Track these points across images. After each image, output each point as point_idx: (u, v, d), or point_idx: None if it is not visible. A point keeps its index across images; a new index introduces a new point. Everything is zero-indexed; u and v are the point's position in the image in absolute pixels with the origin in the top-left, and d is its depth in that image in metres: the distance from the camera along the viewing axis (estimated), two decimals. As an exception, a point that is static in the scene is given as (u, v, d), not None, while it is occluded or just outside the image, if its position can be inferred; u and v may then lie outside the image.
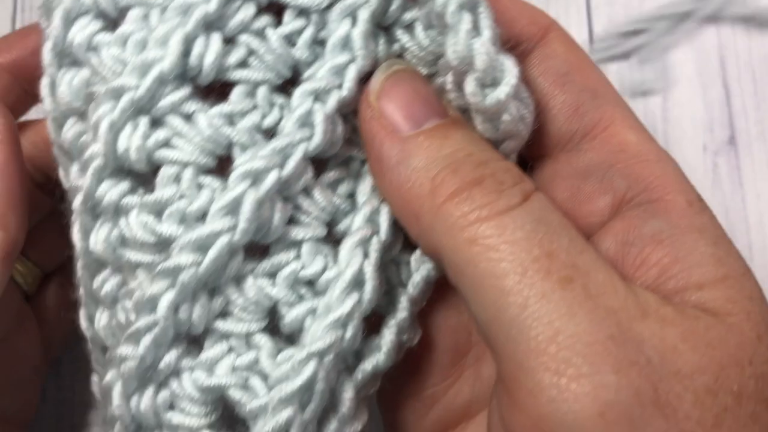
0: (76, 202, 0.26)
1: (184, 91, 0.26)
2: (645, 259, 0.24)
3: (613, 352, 0.21)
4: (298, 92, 0.26)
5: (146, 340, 0.24)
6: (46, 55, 0.27)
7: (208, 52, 0.25)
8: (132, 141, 0.25)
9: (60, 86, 0.27)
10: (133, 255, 0.25)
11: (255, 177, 0.25)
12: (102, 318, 0.27)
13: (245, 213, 0.24)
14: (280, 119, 0.26)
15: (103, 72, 0.26)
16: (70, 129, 0.27)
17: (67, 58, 0.27)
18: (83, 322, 0.28)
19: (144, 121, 0.25)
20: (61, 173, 0.28)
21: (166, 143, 0.25)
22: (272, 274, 0.26)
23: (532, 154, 0.29)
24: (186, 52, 0.25)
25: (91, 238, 0.26)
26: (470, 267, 0.22)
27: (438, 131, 0.25)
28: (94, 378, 0.28)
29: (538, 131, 0.27)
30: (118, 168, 0.26)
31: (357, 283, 0.25)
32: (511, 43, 0.27)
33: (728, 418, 0.21)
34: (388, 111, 0.25)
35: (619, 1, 0.44)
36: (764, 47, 0.43)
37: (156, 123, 0.26)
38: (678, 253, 0.24)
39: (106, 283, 0.27)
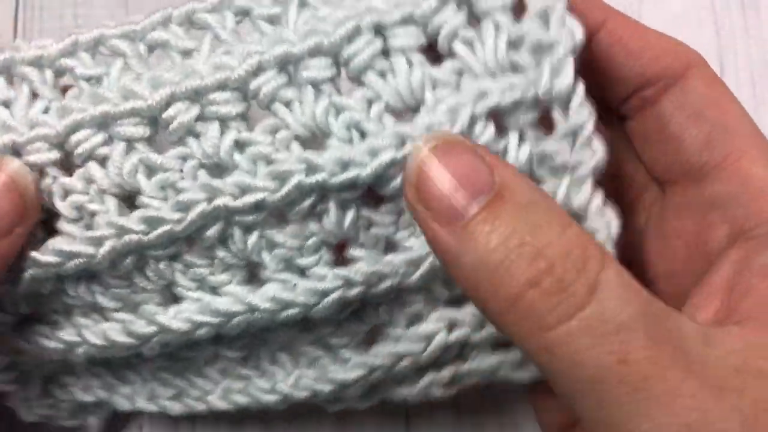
0: None
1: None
2: (751, 289, 0.25)
3: None
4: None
5: None
6: None
7: None
8: None
9: None
10: None
11: None
12: None
13: None
14: None
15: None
16: None
17: None
18: None
19: None
20: None
21: None
22: None
23: (664, 179, 0.30)
24: None
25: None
26: (553, 373, 0.23)
27: (484, 220, 0.23)
28: None
29: (671, 160, 0.29)
30: None
31: None
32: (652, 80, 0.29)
33: None
34: (429, 201, 0.24)
35: (618, 2, 0.44)
36: (763, 50, 0.43)
37: None
38: None
39: None
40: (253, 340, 0.33)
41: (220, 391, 0.34)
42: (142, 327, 0.30)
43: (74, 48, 0.30)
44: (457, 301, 0.31)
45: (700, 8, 0.44)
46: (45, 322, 0.32)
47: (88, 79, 0.30)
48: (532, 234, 0.22)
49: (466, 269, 0.23)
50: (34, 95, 0.30)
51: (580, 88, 0.26)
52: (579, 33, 0.26)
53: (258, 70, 0.28)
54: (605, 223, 0.27)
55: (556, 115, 0.27)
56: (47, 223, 0.30)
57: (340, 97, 0.28)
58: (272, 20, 0.29)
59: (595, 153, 0.27)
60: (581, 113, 0.26)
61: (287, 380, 0.33)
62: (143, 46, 0.30)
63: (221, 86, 0.28)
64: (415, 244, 0.29)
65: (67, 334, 0.31)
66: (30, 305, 0.32)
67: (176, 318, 0.30)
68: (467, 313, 0.31)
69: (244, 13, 0.30)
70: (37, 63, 0.30)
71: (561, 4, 0.26)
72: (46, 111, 0.30)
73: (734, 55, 0.43)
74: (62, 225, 0.30)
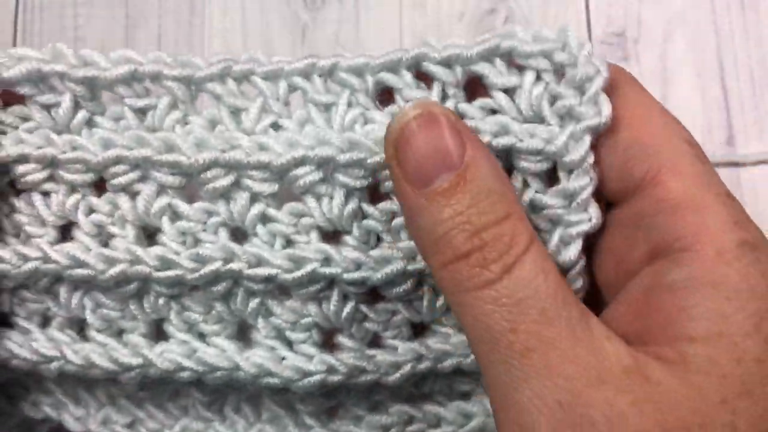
0: None
1: None
2: (657, 307, 0.26)
3: (558, 415, 0.24)
4: None
5: None
6: None
7: None
8: None
9: None
10: None
11: None
12: None
13: None
14: None
15: None
16: None
17: None
18: None
19: None
20: None
21: None
22: None
23: (609, 200, 0.30)
24: None
25: None
26: (464, 327, 0.27)
27: (442, 195, 0.27)
28: None
29: (601, 185, 0.29)
30: None
31: None
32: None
33: None
34: (404, 165, 0.27)
35: (618, 2, 0.44)
36: (762, 49, 0.43)
37: None
38: (686, 304, 0.26)
39: None
40: (222, 386, 0.34)
41: (178, 428, 0.35)
42: (127, 356, 0.32)
43: (131, 77, 0.31)
44: (415, 399, 0.34)
45: (700, 8, 0.44)
46: (15, 328, 0.33)
47: (136, 110, 0.32)
48: (477, 216, 0.26)
49: (419, 229, 0.27)
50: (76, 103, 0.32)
51: (590, 158, 0.29)
52: (607, 113, 0.28)
53: (299, 163, 0.30)
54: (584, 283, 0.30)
55: (561, 173, 0.30)
56: (64, 228, 0.32)
57: (367, 205, 0.31)
58: (325, 108, 0.31)
59: (590, 218, 0.29)
60: (583, 179, 0.29)
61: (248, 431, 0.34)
62: (194, 90, 0.32)
63: (262, 167, 0.30)
64: (400, 347, 0.32)
65: (44, 348, 0.32)
66: (6, 304, 0.32)
67: (162, 356, 0.32)
68: (425, 411, 0.34)
69: (296, 89, 0.32)
70: (89, 83, 0.31)
71: (599, 80, 0.29)
72: (88, 123, 0.32)
73: (733, 55, 0.43)
74: (79, 235, 0.32)
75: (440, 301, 0.32)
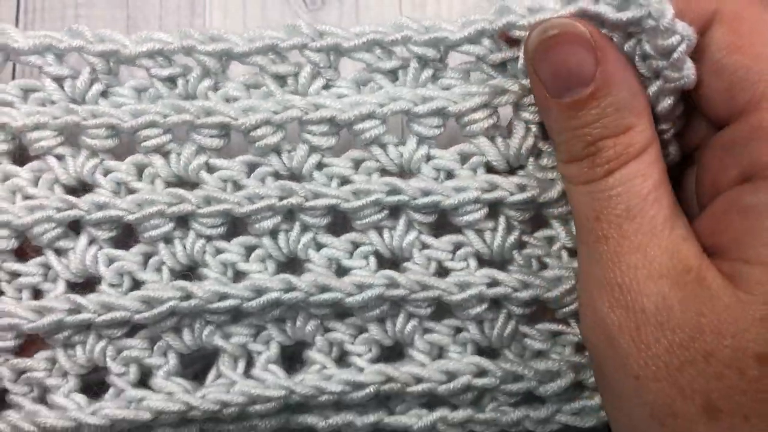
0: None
1: None
2: (729, 225, 0.29)
3: (615, 295, 0.29)
4: None
5: None
6: None
7: None
8: None
9: None
10: None
11: None
12: None
13: None
14: None
15: None
16: None
17: None
18: None
19: None
20: None
21: None
22: None
23: (712, 123, 0.32)
24: None
25: None
26: (570, 200, 0.32)
27: (570, 108, 0.30)
28: None
29: (705, 111, 0.31)
30: None
31: None
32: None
33: (692, 370, 0.27)
34: (540, 74, 0.30)
35: (617, 4, 0.44)
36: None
37: None
38: (751, 228, 0.28)
39: None
40: (252, 338, 0.35)
41: (200, 393, 0.34)
42: (166, 291, 0.32)
43: (157, 53, 0.33)
44: (482, 354, 0.34)
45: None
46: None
47: (164, 79, 0.33)
48: (599, 129, 0.29)
49: (549, 125, 0.31)
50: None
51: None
52: (691, 77, 0.29)
53: (366, 118, 0.32)
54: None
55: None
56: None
57: (437, 150, 0.33)
58: (391, 72, 0.34)
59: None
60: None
61: (292, 379, 0.34)
62: (226, 61, 0.33)
63: (323, 122, 0.32)
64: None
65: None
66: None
67: (202, 288, 0.32)
68: (500, 367, 0.33)
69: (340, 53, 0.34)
70: (110, 56, 0.33)
71: (683, 47, 0.29)
72: (103, 94, 0.34)
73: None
74: (99, 191, 0.33)
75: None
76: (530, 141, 0.33)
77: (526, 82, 0.33)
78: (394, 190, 0.32)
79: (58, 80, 0.34)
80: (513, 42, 0.33)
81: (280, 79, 0.34)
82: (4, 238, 0.33)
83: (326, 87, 0.34)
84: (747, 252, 0.28)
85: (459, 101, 0.32)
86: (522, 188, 0.33)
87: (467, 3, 0.44)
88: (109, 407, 0.32)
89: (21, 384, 0.34)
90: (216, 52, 0.33)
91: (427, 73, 0.33)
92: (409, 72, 0.33)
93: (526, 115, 0.33)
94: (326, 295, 0.32)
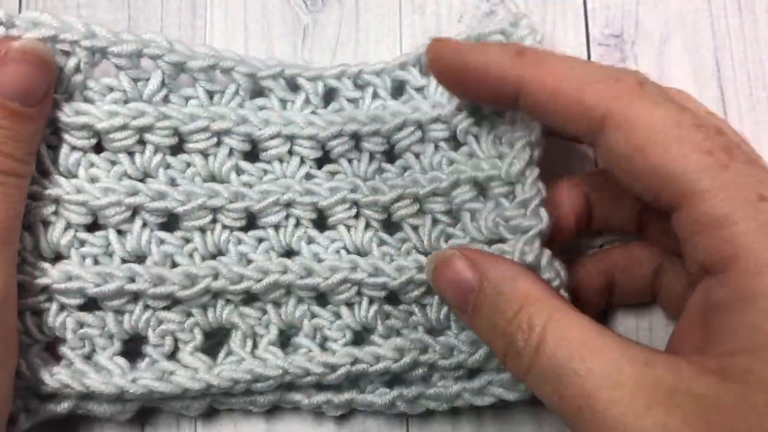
0: None
1: None
2: (706, 323, 0.29)
3: None
4: None
5: None
6: None
7: None
8: None
9: None
10: None
11: None
12: None
13: None
14: None
15: None
16: None
17: None
18: None
19: None
20: None
21: None
22: None
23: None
24: None
25: None
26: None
27: (475, 313, 0.33)
28: None
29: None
30: None
31: None
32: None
33: None
34: (444, 297, 0.35)
35: (615, 4, 0.44)
36: (759, 50, 0.43)
37: None
38: (727, 320, 0.28)
39: None
40: (258, 322, 0.39)
41: (216, 371, 0.38)
42: (196, 269, 0.37)
43: (210, 68, 0.39)
44: (431, 332, 0.39)
45: (697, 10, 0.44)
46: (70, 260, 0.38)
47: (207, 92, 0.39)
48: (499, 318, 0.31)
49: (478, 336, 0.34)
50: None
51: (535, 173, 0.37)
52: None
53: (337, 135, 0.39)
54: (556, 272, 0.36)
55: (518, 189, 0.37)
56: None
57: (386, 164, 0.40)
58: (354, 100, 0.41)
59: (542, 220, 0.36)
60: (533, 189, 0.36)
61: (286, 359, 0.38)
62: (254, 83, 0.40)
63: (311, 138, 0.39)
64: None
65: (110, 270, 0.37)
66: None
67: (226, 266, 0.38)
68: (439, 341, 0.38)
69: (332, 88, 0.41)
70: (178, 66, 0.39)
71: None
72: (164, 98, 0.39)
73: (730, 57, 0.43)
74: (152, 182, 0.38)
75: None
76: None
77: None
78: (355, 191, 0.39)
79: (135, 81, 0.38)
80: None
81: (282, 103, 0.41)
82: (82, 215, 0.37)
83: (313, 113, 0.40)
84: (728, 345, 0.27)
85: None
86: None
87: (467, 3, 0.44)
88: (147, 377, 0.37)
89: (77, 338, 0.37)
90: (248, 74, 0.39)
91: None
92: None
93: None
94: (311, 280, 0.38)
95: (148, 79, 0.39)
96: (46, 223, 0.37)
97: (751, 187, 0.28)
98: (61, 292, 0.37)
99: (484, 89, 0.34)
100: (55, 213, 0.37)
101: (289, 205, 0.39)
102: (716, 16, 0.44)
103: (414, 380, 0.39)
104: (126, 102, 0.38)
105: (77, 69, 0.37)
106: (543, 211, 0.36)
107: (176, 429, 0.40)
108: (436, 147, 0.39)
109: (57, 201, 0.37)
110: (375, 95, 0.40)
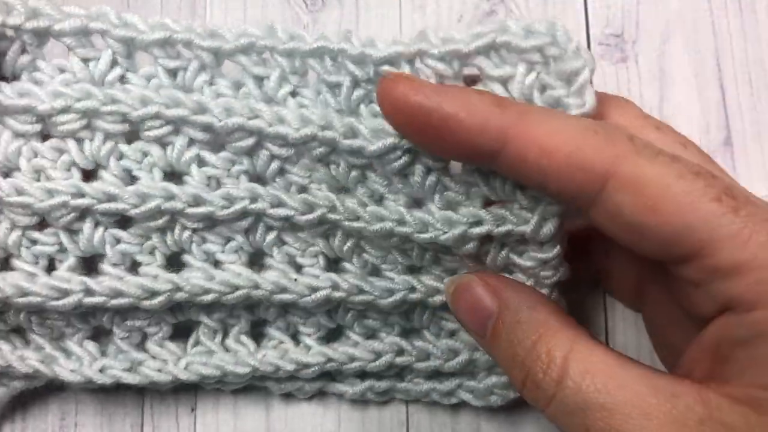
0: None
1: None
2: (729, 356, 0.29)
3: None
4: None
5: None
6: None
7: None
8: None
9: None
10: None
11: None
12: None
13: None
14: None
15: None
16: None
17: None
18: None
19: None
20: None
21: None
22: None
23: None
24: None
25: None
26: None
27: (493, 339, 0.32)
28: None
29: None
30: None
31: None
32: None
33: None
34: (464, 323, 0.34)
35: (616, 4, 0.44)
36: (760, 49, 0.43)
37: None
38: (755, 355, 0.28)
39: None
40: (226, 316, 0.38)
41: (183, 363, 0.37)
42: (155, 283, 0.35)
43: (166, 42, 0.35)
44: (407, 334, 0.38)
45: (697, 9, 0.44)
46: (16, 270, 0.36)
47: (168, 70, 0.35)
48: (518, 347, 0.31)
49: (501, 366, 0.33)
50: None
51: (559, 235, 0.34)
52: (591, 103, 0.32)
53: (311, 139, 0.34)
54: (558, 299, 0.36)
55: (533, 244, 0.34)
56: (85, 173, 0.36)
57: (371, 173, 0.36)
58: (335, 86, 0.35)
59: (558, 272, 0.35)
60: (553, 249, 0.34)
61: (255, 356, 0.37)
62: (220, 57, 0.35)
63: (280, 137, 0.34)
64: (396, 279, 0.36)
65: (60, 282, 0.35)
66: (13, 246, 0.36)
67: (188, 281, 0.35)
68: (415, 346, 0.38)
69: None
70: (128, 42, 0.35)
71: (586, 72, 0.32)
72: (120, 79, 0.35)
73: (731, 56, 0.43)
74: (106, 176, 0.35)
75: (428, 256, 0.36)
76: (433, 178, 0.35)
77: None
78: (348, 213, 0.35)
79: (86, 61, 0.35)
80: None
81: (258, 81, 0.35)
82: (27, 216, 0.35)
83: (292, 94, 0.35)
84: (757, 377, 0.28)
85: (374, 142, 0.33)
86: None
87: (467, 3, 0.44)
88: (116, 368, 0.37)
89: (43, 327, 0.37)
90: (210, 47, 0.34)
91: (359, 93, 0.35)
92: (343, 89, 0.35)
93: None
94: (285, 296, 0.36)
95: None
96: None
97: (765, 226, 0.28)
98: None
99: (455, 142, 0.30)
100: None
101: (260, 214, 0.35)
102: (717, 15, 0.44)
103: (386, 376, 0.39)
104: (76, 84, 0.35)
105: (23, 50, 0.35)
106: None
107: (174, 419, 0.40)
108: (428, 170, 0.35)
109: None
110: (356, 85, 0.35)
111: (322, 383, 0.39)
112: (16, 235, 0.35)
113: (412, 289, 0.36)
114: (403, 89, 0.30)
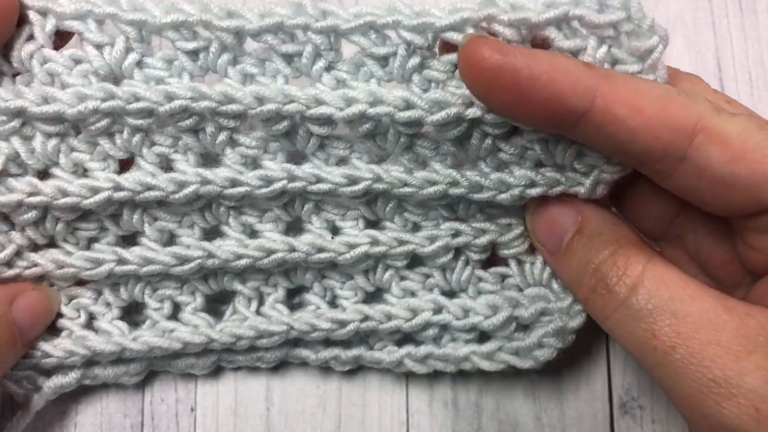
0: None
1: None
2: None
3: (715, 391, 0.28)
4: None
5: None
6: None
7: None
8: None
9: None
10: None
11: None
12: None
13: None
14: None
15: None
16: None
17: None
18: None
19: None
20: None
21: None
22: None
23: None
24: None
25: None
26: (620, 344, 0.34)
27: (567, 251, 0.34)
28: None
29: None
30: None
31: None
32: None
33: None
34: (538, 239, 0.36)
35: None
36: (760, 49, 0.43)
37: None
38: None
39: None
40: (263, 283, 0.38)
41: (219, 327, 0.38)
42: (189, 250, 0.36)
43: (181, 25, 0.34)
44: (448, 294, 0.38)
45: (698, 9, 0.44)
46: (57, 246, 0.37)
47: (188, 52, 0.35)
48: (594, 256, 0.33)
49: (562, 279, 0.36)
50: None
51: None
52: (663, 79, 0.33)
53: (360, 117, 0.34)
54: None
55: None
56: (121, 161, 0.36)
57: (418, 139, 0.36)
58: (383, 58, 0.35)
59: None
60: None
61: (292, 316, 0.38)
62: (243, 36, 0.34)
63: (324, 119, 0.34)
64: (442, 225, 0.37)
65: (97, 253, 0.37)
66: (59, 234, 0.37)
67: (221, 248, 0.36)
68: (453, 303, 0.37)
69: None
70: (139, 26, 0.34)
71: (660, 49, 0.33)
72: (138, 64, 0.35)
73: (732, 56, 0.43)
74: (143, 164, 0.36)
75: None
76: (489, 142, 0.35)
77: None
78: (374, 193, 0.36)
79: (99, 48, 0.34)
80: (451, 48, 0.34)
81: (288, 58, 0.35)
82: (73, 213, 0.36)
83: (327, 69, 0.35)
84: None
85: (435, 111, 0.33)
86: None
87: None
88: (148, 335, 0.37)
89: (72, 308, 0.38)
90: (231, 28, 0.34)
91: (414, 61, 0.34)
92: (397, 59, 0.34)
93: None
94: (322, 255, 0.36)
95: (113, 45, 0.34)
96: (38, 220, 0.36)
97: None
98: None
99: (544, 101, 0.29)
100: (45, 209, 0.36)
101: (299, 192, 0.36)
102: (717, 15, 0.44)
103: (424, 340, 0.38)
104: (95, 74, 0.34)
105: (29, 37, 0.34)
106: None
107: (174, 419, 0.40)
108: (485, 135, 0.34)
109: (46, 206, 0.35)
110: (412, 53, 0.34)
111: (358, 351, 0.38)
112: (60, 226, 0.36)
113: (457, 233, 0.37)
114: (489, 51, 0.29)
